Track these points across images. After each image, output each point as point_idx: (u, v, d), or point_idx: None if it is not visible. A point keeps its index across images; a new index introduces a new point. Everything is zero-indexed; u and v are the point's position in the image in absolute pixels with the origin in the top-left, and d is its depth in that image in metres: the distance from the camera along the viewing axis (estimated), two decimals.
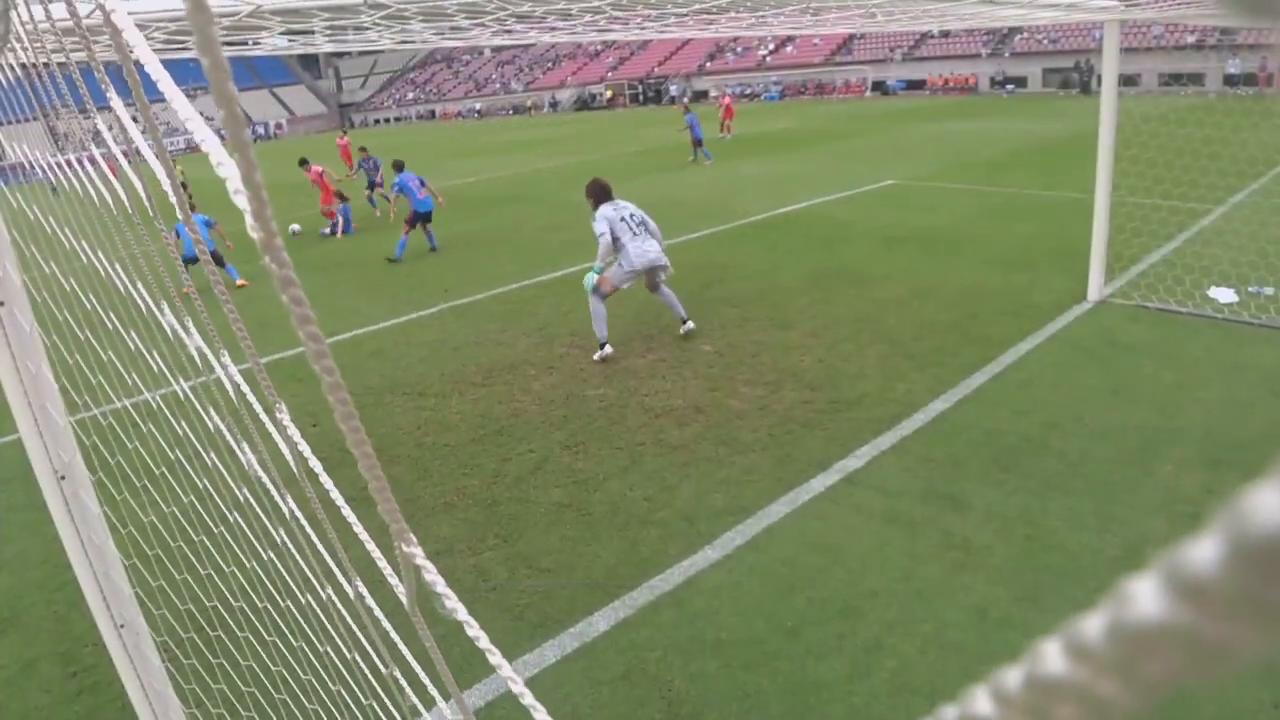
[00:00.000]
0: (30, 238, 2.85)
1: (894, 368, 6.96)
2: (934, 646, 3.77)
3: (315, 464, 1.31)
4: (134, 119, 1.49)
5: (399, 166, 14.04)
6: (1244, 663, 0.19)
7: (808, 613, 4.08)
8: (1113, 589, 0.21)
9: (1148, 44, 38.70)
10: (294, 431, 1.30)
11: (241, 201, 0.48)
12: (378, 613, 1.62)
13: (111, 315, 2.58)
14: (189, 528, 3.07)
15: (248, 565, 2.59)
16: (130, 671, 2.55)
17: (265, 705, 3.06)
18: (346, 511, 1.33)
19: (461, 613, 0.74)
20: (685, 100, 45.86)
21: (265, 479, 1.94)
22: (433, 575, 0.72)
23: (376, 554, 1.25)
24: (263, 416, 1.70)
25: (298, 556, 2.01)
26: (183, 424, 2.61)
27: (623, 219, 7.71)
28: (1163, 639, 0.19)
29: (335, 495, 1.28)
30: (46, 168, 2.64)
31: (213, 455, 2.44)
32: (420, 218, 13.30)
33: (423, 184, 13.40)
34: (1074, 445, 5.46)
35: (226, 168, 0.52)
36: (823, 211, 14.05)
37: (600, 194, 7.98)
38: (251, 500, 2.29)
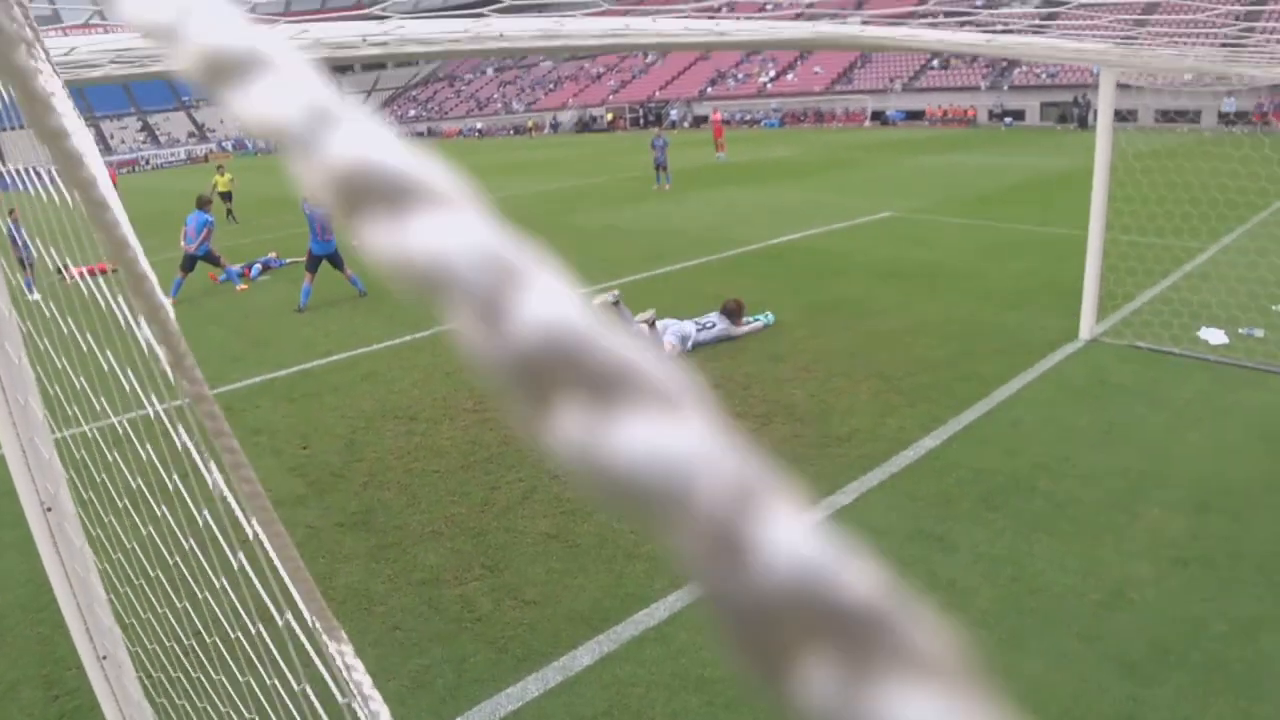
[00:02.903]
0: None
1: (886, 403, 6.98)
2: None
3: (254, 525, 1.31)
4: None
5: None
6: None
7: None
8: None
9: (1144, 81, 39.02)
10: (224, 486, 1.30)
11: (148, 331, 0.50)
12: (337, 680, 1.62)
13: (89, 335, 2.56)
14: (165, 554, 3.06)
15: (206, 598, 2.58)
16: (112, 702, 2.54)
17: None
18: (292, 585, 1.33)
19: (385, 716, 0.75)
20: (669, 123, 46.27)
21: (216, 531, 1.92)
22: (360, 675, 0.73)
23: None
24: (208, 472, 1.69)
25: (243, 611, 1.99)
26: (148, 447, 2.59)
27: (686, 334, 8.84)
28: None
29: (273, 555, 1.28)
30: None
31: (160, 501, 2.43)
32: (313, 260, 11.73)
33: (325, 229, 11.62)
34: (1062, 486, 5.48)
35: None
36: (820, 242, 14.12)
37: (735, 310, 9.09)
38: (197, 550, 2.27)
